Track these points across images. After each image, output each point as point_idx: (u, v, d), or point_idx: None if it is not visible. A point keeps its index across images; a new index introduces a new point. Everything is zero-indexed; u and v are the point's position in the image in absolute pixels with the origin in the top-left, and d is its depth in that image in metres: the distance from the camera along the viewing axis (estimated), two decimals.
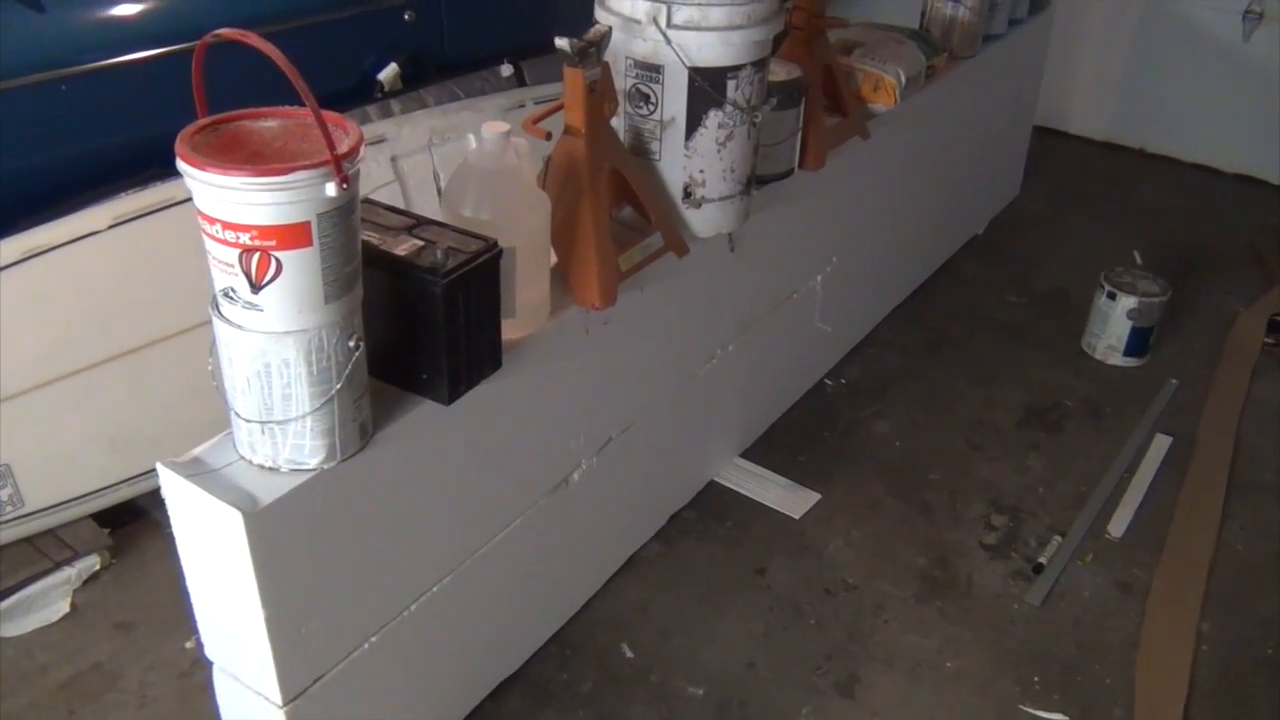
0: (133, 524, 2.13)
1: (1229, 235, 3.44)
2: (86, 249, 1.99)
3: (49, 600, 1.97)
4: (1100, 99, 4.01)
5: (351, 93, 2.58)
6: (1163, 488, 2.34)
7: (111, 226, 2.02)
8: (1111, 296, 2.72)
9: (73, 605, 1.98)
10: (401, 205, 2.47)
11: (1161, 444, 2.47)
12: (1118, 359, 2.76)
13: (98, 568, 2.04)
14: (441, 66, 2.72)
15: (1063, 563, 2.14)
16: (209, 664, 1.48)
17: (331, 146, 1.13)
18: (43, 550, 2.00)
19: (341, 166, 1.14)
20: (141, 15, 2.21)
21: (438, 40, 2.73)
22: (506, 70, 2.81)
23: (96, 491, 2.06)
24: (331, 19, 2.50)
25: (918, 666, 1.92)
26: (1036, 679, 1.90)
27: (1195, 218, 3.58)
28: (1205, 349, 2.84)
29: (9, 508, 1.95)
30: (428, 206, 2.52)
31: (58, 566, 1.99)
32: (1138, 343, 2.73)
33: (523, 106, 2.71)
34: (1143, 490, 2.33)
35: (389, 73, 2.61)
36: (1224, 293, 3.09)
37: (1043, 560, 2.13)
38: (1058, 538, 2.20)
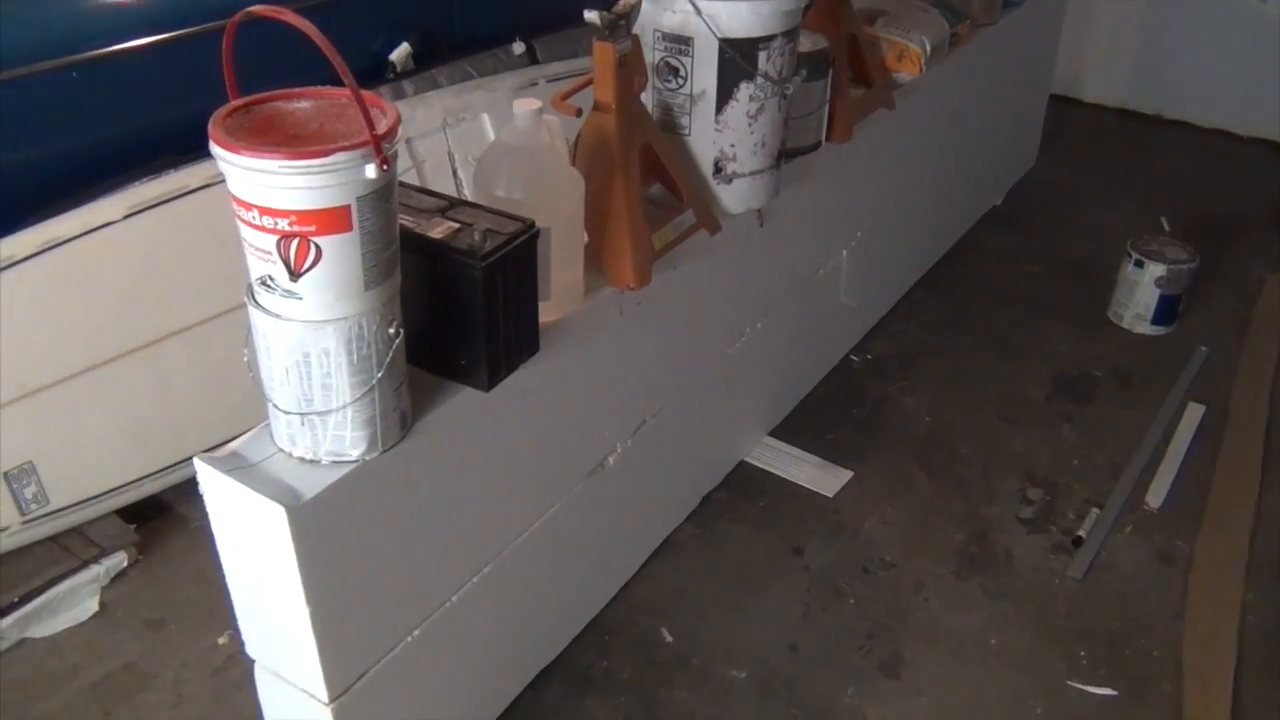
0: (158, 519, 2.09)
1: (1250, 200, 3.40)
2: (102, 240, 1.95)
3: (77, 599, 1.93)
4: (1115, 65, 3.95)
5: (363, 74, 2.52)
6: (1198, 457, 2.31)
7: (127, 216, 1.98)
8: (1139, 264, 2.68)
9: (101, 604, 1.95)
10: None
11: (1194, 413, 2.43)
12: (1146, 328, 2.72)
13: (125, 565, 2.00)
14: (452, 45, 2.67)
15: (1102, 535, 2.11)
16: (250, 662, 1.45)
17: (371, 126, 1.09)
18: (69, 549, 1.97)
19: (381, 147, 1.10)
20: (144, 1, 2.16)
21: (448, 18, 2.68)
22: (519, 48, 2.77)
23: (121, 487, 2.02)
24: None
25: (962, 644, 1.89)
26: (1083, 654, 1.87)
27: (1214, 183, 3.54)
28: (1233, 316, 2.81)
29: (34, 505, 1.92)
30: (444, 188, 2.48)
31: (84, 565, 1.95)
32: (1166, 311, 2.69)
33: (535, 85, 2.67)
34: (1178, 460, 2.30)
35: (400, 52, 2.57)
36: (1249, 258, 3.05)
37: (1082, 533, 2.10)
38: (1095, 510, 2.16)
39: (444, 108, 2.50)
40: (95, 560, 1.97)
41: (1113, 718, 1.77)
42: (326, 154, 1.07)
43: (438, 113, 2.48)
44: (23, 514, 1.90)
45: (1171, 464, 2.29)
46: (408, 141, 2.43)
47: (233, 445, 1.31)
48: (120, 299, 1.97)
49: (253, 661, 1.44)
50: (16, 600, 1.87)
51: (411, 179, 2.41)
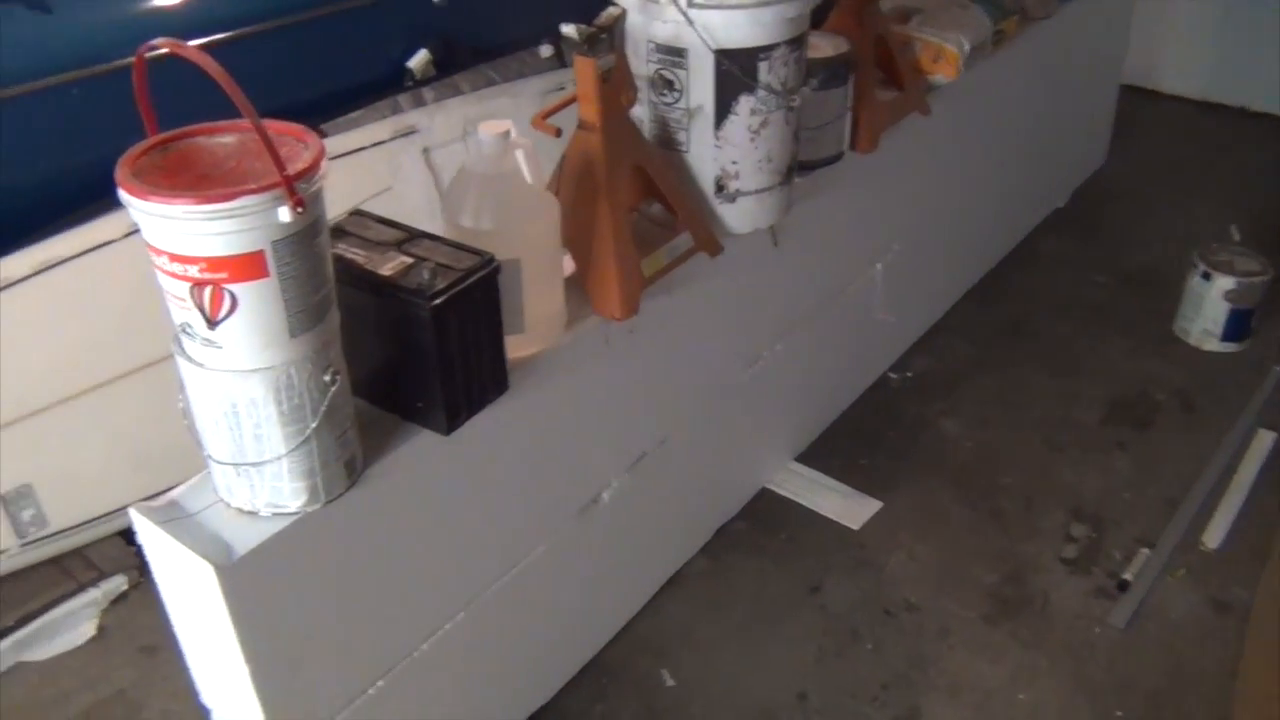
0: None
1: None
2: (101, 259, 1.92)
3: (75, 623, 1.91)
4: (1195, 52, 3.69)
5: (381, 82, 2.46)
6: (1265, 491, 2.12)
7: (126, 235, 1.94)
8: (1206, 276, 2.47)
9: (99, 627, 1.93)
10: (435, 200, 2.37)
11: (1264, 441, 2.24)
12: (1214, 345, 2.52)
13: (125, 588, 1.98)
14: (476, 50, 2.59)
15: (1151, 579, 1.94)
16: (207, 711, 1.39)
17: (281, 166, 1.00)
18: (69, 571, 1.95)
19: (295, 188, 1.01)
20: (155, 12, 2.13)
21: (471, 22, 2.60)
22: (546, 51, 2.67)
23: (121, 509, 1.98)
24: (358, 5, 2.39)
25: (987, 698, 1.75)
26: (1120, 714, 1.72)
27: None
28: None
29: (32, 529, 1.90)
30: None
31: (83, 588, 1.94)
32: (1237, 326, 2.48)
33: (562, 89, 2.57)
34: (1243, 495, 2.11)
35: (419, 59, 2.49)
36: None
37: (1128, 576, 1.94)
38: (1145, 550, 1.99)
39: (464, 115, 2.42)
40: (94, 583, 1.95)
41: None
42: (232, 197, 0.99)
43: (458, 120, 2.41)
44: (20, 537, 1.89)
45: (1234, 499, 2.10)
46: (425, 151, 2.36)
47: (173, 493, 1.25)
48: (120, 319, 1.94)
49: (210, 711, 1.39)
50: (13, 624, 1.86)
51: (428, 190, 2.35)
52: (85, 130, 2.02)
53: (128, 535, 2.03)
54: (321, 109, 2.25)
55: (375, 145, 2.28)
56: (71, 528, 1.95)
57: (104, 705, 1.80)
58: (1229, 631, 1.85)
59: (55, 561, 1.96)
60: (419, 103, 2.44)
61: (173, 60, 1.03)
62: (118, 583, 1.98)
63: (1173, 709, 1.72)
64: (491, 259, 1.27)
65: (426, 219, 2.34)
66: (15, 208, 1.92)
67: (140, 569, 2.01)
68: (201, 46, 1.02)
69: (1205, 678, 1.77)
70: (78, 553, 1.99)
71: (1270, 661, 1.78)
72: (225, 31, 2.13)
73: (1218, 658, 1.80)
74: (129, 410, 1.96)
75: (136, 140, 2.10)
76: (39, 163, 1.99)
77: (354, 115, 2.33)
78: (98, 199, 1.95)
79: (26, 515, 1.89)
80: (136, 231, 1.98)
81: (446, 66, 2.53)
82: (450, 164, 2.39)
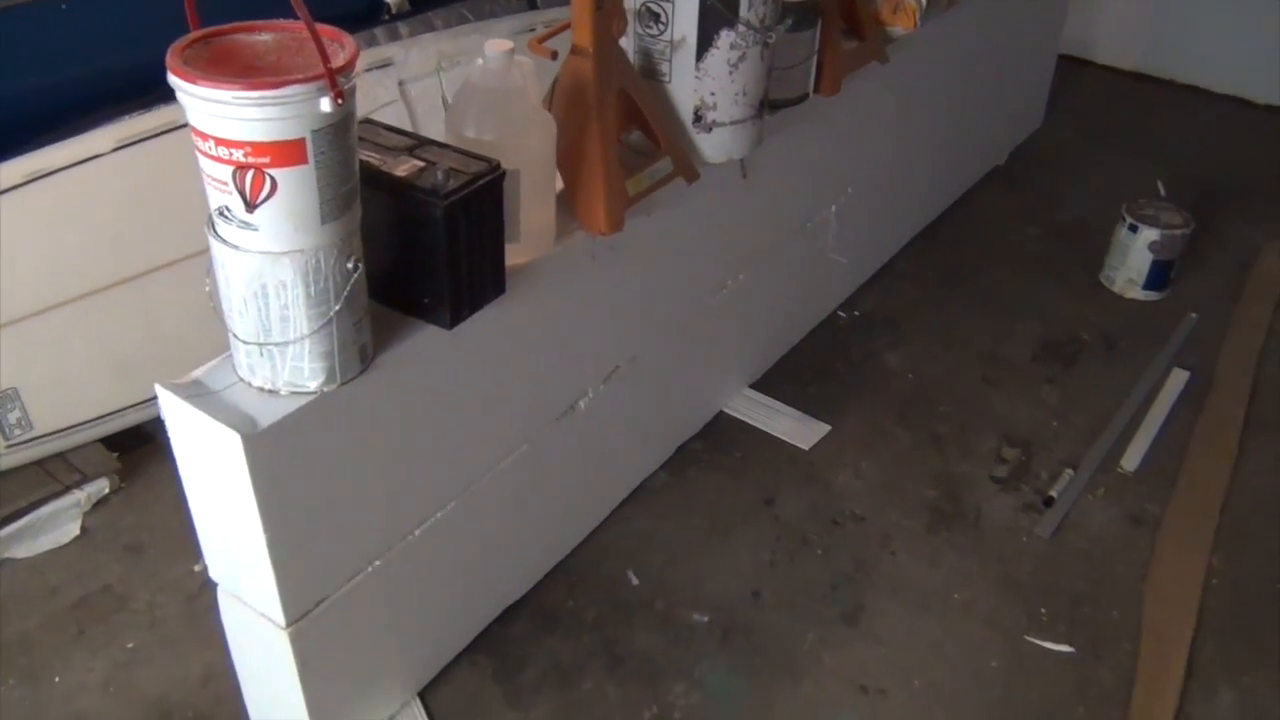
0: (141, 448, 2.13)
1: (1258, 167, 3.36)
2: (90, 172, 1.97)
3: (59, 523, 1.98)
4: (1129, 27, 3.89)
5: (358, 15, 2.52)
6: (1178, 422, 2.31)
7: (115, 149, 1.99)
8: (1133, 229, 2.66)
9: (83, 528, 2.00)
10: (409, 129, 2.44)
11: (1179, 379, 2.43)
12: (1137, 293, 2.71)
13: (107, 491, 2.05)
14: None
15: (1074, 496, 2.12)
16: (214, 585, 1.48)
17: (326, 60, 1.09)
18: (52, 473, 2.01)
19: (336, 81, 1.10)
20: None
21: None
22: None
23: (104, 416, 2.06)
24: None
25: (925, 597, 1.92)
26: (1044, 611, 1.90)
27: (1224, 149, 3.49)
28: (1227, 283, 2.79)
29: (17, 431, 1.95)
30: (435, 132, 2.47)
31: (67, 489, 2.00)
32: (1158, 276, 2.68)
33: (533, 30, 2.65)
34: (1158, 425, 2.30)
35: None
36: (1250, 226, 3.03)
37: (1053, 493, 2.12)
38: (1069, 471, 2.18)
39: (438, 51, 2.49)
40: (78, 485, 2.01)
41: (1068, 673, 1.79)
42: (280, 85, 1.08)
43: (432, 56, 2.48)
44: (6, 439, 1.94)
45: (1150, 428, 2.29)
46: (400, 84, 2.43)
47: (195, 373, 1.34)
48: (108, 231, 1.99)
49: (216, 584, 1.48)
50: None
51: (404, 120, 2.42)
52: (73, 44, 2.06)
53: (109, 442, 2.10)
54: None
55: None
56: (56, 432, 2.01)
57: (91, 598, 1.88)
58: (1142, 542, 2.03)
59: (39, 464, 2.02)
60: (394, 37, 2.50)
61: None
62: (100, 486, 2.04)
63: (1091, 607, 1.91)
64: (498, 165, 1.37)
65: None
66: (7, 117, 1.95)
67: (122, 474, 2.08)
68: None
69: (1120, 581, 1.96)
70: (60, 457, 2.05)
71: (1177, 568, 1.98)
72: None
73: (1132, 564, 1.99)
74: (115, 320, 2.02)
75: (126, 57, 2.15)
76: (28, 74, 2.02)
77: None
78: (89, 112, 2.01)
79: (12, 418, 1.95)
80: (127, 146, 2.05)
81: (421, 3, 2.59)
82: (424, 97, 2.47)
